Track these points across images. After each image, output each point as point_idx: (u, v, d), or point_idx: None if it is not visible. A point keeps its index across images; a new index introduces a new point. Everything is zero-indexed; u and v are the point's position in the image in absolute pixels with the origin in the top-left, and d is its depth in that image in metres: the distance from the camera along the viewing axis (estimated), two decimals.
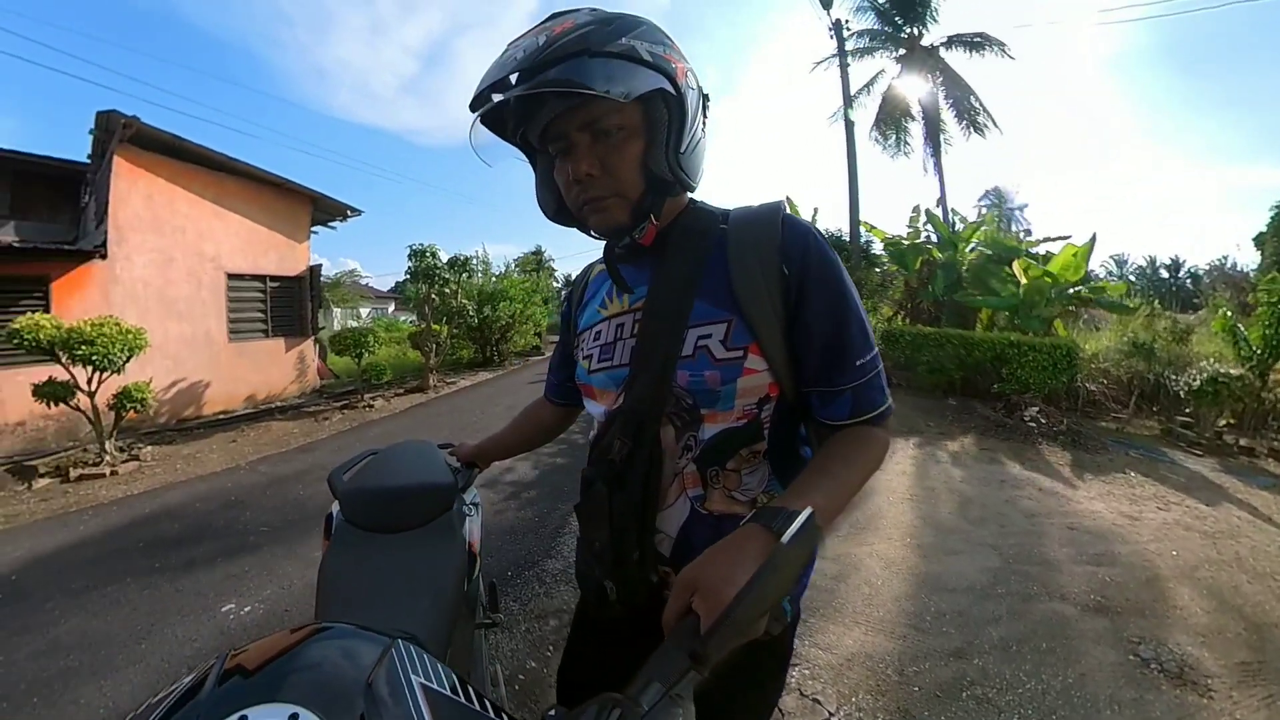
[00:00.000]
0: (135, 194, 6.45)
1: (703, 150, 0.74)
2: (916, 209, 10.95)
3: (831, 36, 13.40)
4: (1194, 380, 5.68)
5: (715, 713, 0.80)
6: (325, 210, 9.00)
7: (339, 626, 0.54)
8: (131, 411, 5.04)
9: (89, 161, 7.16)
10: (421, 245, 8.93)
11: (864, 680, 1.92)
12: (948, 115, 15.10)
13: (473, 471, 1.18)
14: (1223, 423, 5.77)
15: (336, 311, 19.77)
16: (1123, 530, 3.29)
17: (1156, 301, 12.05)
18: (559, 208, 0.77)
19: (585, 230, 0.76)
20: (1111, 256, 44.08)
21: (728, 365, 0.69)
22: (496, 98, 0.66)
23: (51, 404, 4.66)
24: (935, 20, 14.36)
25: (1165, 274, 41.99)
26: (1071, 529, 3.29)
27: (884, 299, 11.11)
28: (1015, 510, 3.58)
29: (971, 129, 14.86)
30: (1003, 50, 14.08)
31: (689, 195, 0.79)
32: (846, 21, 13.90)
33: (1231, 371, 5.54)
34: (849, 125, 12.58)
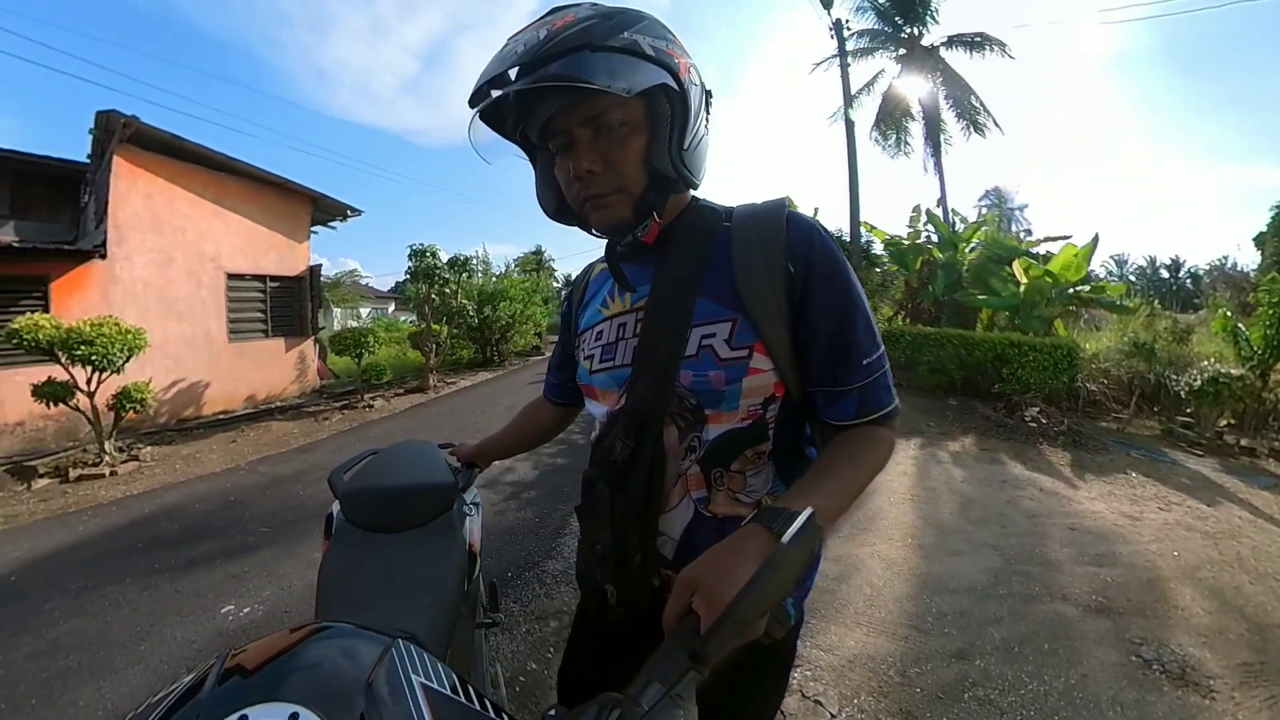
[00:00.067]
0: (135, 194, 6.44)
1: (706, 147, 0.73)
2: (917, 209, 10.96)
3: (832, 36, 13.39)
4: (1195, 380, 5.67)
5: (718, 715, 0.80)
6: (325, 210, 9.00)
7: (339, 626, 0.54)
8: (131, 412, 5.03)
9: (89, 161, 7.16)
10: (421, 245, 8.93)
11: (866, 682, 1.91)
12: (948, 115, 15.11)
13: (473, 471, 1.18)
14: (1223, 423, 5.76)
15: (336, 311, 19.76)
16: (1124, 531, 3.28)
17: (1156, 301, 12.06)
18: (560, 205, 0.76)
19: (587, 228, 0.74)
20: (1112, 256, 44.14)
21: (733, 365, 0.68)
22: (496, 93, 0.65)
23: (51, 404, 4.65)
24: (935, 20, 14.37)
25: (1165, 274, 42.00)
26: (1073, 529, 3.29)
27: (884, 299, 11.11)
28: (1016, 510, 3.58)
29: (972, 129, 14.86)
30: (1003, 50, 14.08)
31: (691, 193, 0.78)
32: (847, 21, 13.89)
33: (1232, 372, 5.53)
34: (849, 125, 12.57)
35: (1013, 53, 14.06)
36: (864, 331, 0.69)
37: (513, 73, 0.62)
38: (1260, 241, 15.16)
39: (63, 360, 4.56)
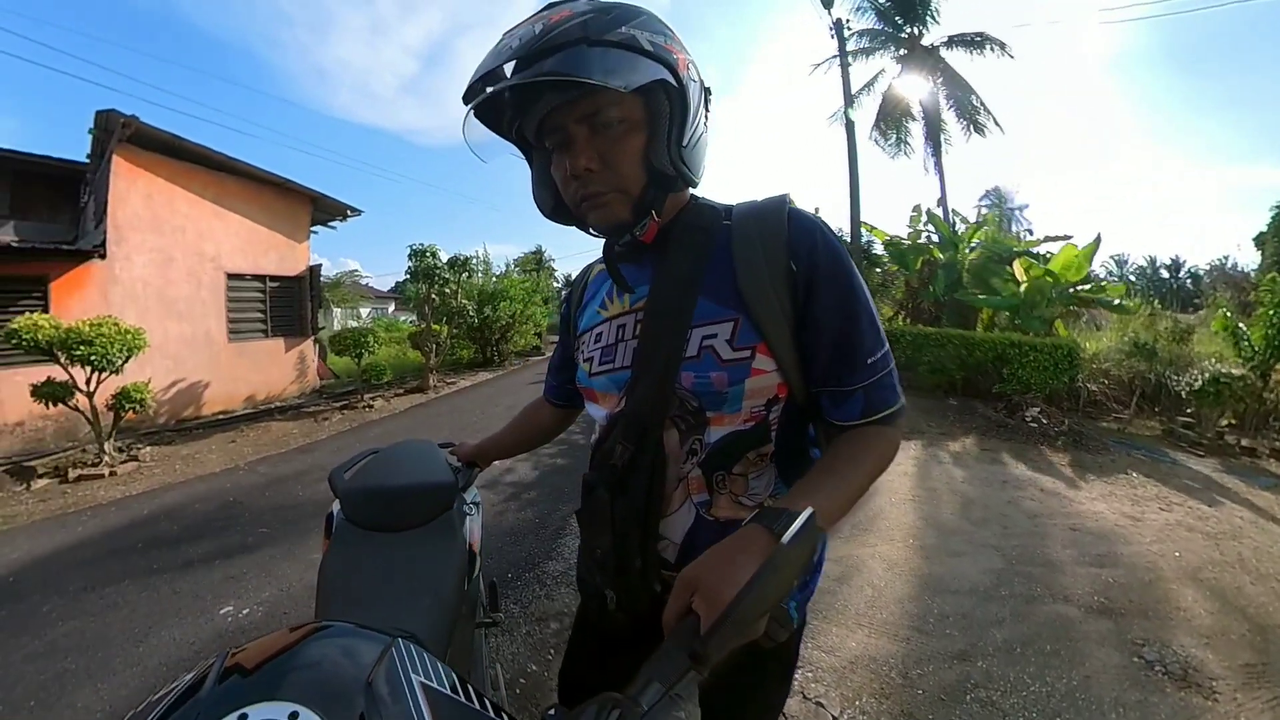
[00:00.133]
0: (134, 193, 6.44)
1: (705, 144, 0.71)
2: (917, 208, 10.96)
3: (832, 36, 13.39)
4: (1196, 381, 5.67)
5: (721, 717, 0.79)
6: (325, 210, 8.99)
7: (339, 625, 0.53)
8: (130, 412, 5.02)
9: (88, 161, 7.15)
10: (421, 245, 8.92)
11: (868, 683, 1.90)
12: (948, 115, 15.09)
13: (473, 471, 1.18)
14: (1224, 423, 5.76)
15: (336, 311, 19.75)
16: (1125, 531, 3.27)
17: (1156, 302, 12.06)
18: (556, 205, 0.74)
19: (584, 228, 0.73)
20: (1112, 256, 44.11)
21: (735, 366, 0.67)
22: (491, 90, 0.63)
23: (50, 404, 4.65)
24: (936, 20, 14.34)
25: (1165, 274, 42.00)
26: (1074, 530, 3.28)
27: (885, 299, 11.11)
28: (1017, 511, 3.57)
29: (972, 129, 14.84)
30: (1003, 49, 14.07)
31: (690, 191, 0.77)
32: (847, 21, 13.89)
33: (1233, 372, 5.53)
34: (850, 125, 12.56)
35: (1013, 52, 14.06)
36: (869, 330, 0.68)
37: (508, 68, 0.61)
38: (1260, 241, 15.18)
39: (62, 360, 4.55)
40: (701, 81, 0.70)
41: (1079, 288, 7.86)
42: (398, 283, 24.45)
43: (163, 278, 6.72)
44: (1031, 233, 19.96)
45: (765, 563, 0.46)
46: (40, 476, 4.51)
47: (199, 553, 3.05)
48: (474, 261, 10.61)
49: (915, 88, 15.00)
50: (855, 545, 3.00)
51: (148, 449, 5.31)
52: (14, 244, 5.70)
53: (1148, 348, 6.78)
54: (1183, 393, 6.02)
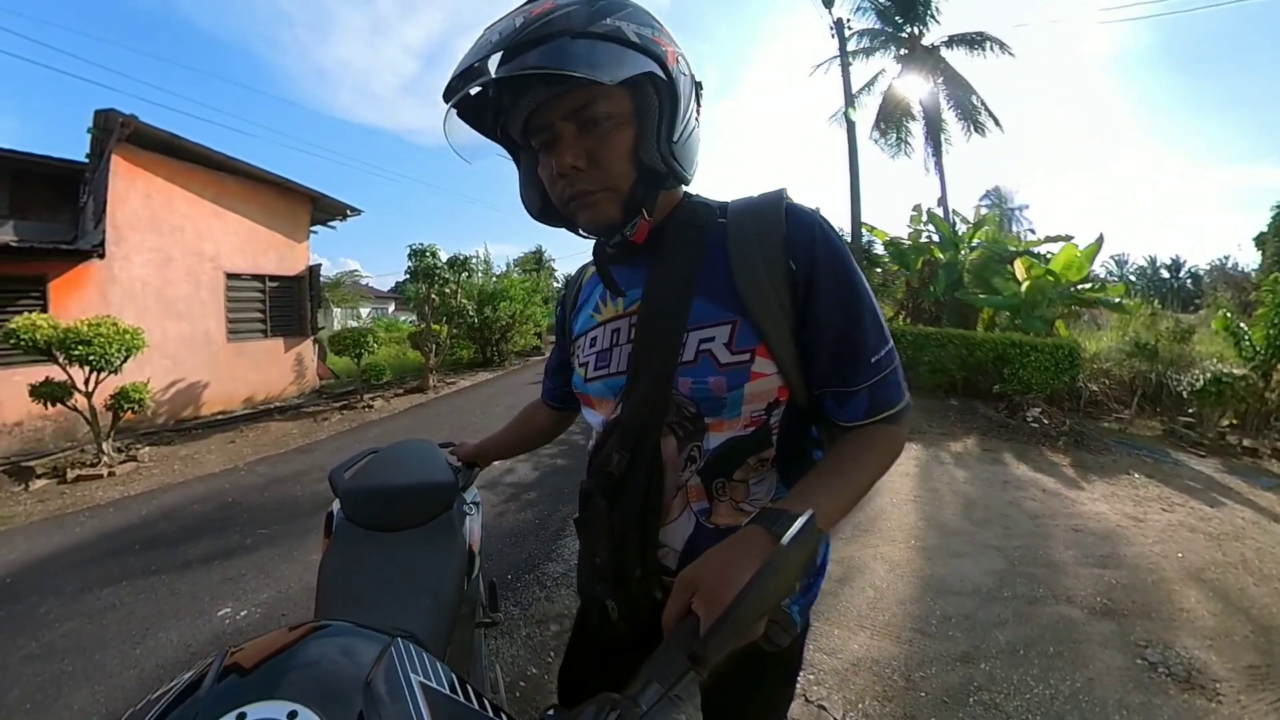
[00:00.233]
0: (133, 193, 6.43)
1: (697, 140, 0.69)
2: (918, 208, 10.96)
3: (833, 35, 13.38)
4: (1197, 380, 5.66)
5: None
6: (325, 210, 8.97)
7: (338, 624, 0.53)
8: (129, 412, 5.01)
9: (87, 161, 7.14)
10: (421, 245, 8.92)
11: (870, 686, 1.89)
12: (949, 115, 15.07)
13: (473, 471, 1.18)
14: (1225, 423, 5.75)
15: (336, 311, 19.74)
16: (1127, 532, 3.26)
17: (1156, 301, 12.06)
18: (544, 206, 0.71)
19: (573, 229, 0.71)
20: (1112, 256, 44.02)
21: (734, 370, 0.65)
22: (475, 89, 0.61)
23: (49, 404, 4.64)
24: (936, 20, 14.33)
25: (1166, 274, 41.98)
26: (1076, 530, 3.27)
27: (885, 298, 11.10)
28: (1019, 512, 3.56)
29: (972, 128, 14.83)
30: (1003, 49, 14.06)
31: (684, 189, 0.75)
32: (848, 20, 13.89)
33: (1235, 372, 5.52)
34: (850, 125, 12.55)
35: (1013, 51, 14.05)
36: (872, 327, 0.66)
37: (490, 65, 0.59)
38: (1260, 241, 15.15)
39: (60, 360, 4.54)
40: (692, 75, 0.67)
41: (1080, 287, 7.85)
42: (398, 283, 24.43)
43: (162, 277, 6.71)
44: (1034, 232, 19.95)
45: (765, 564, 0.45)
46: (39, 477, 4.50)
47: (197, 554, 3.03)
48: (474, 261, 10.60)
49: (915, 87, 15.01)
50: (857, 546, 2.98)
51: (146, 449, 5.30)
52: (13, 244, 5.69)
53: (1149, 347, 6.77)
54: (1184, 393, 6.01)
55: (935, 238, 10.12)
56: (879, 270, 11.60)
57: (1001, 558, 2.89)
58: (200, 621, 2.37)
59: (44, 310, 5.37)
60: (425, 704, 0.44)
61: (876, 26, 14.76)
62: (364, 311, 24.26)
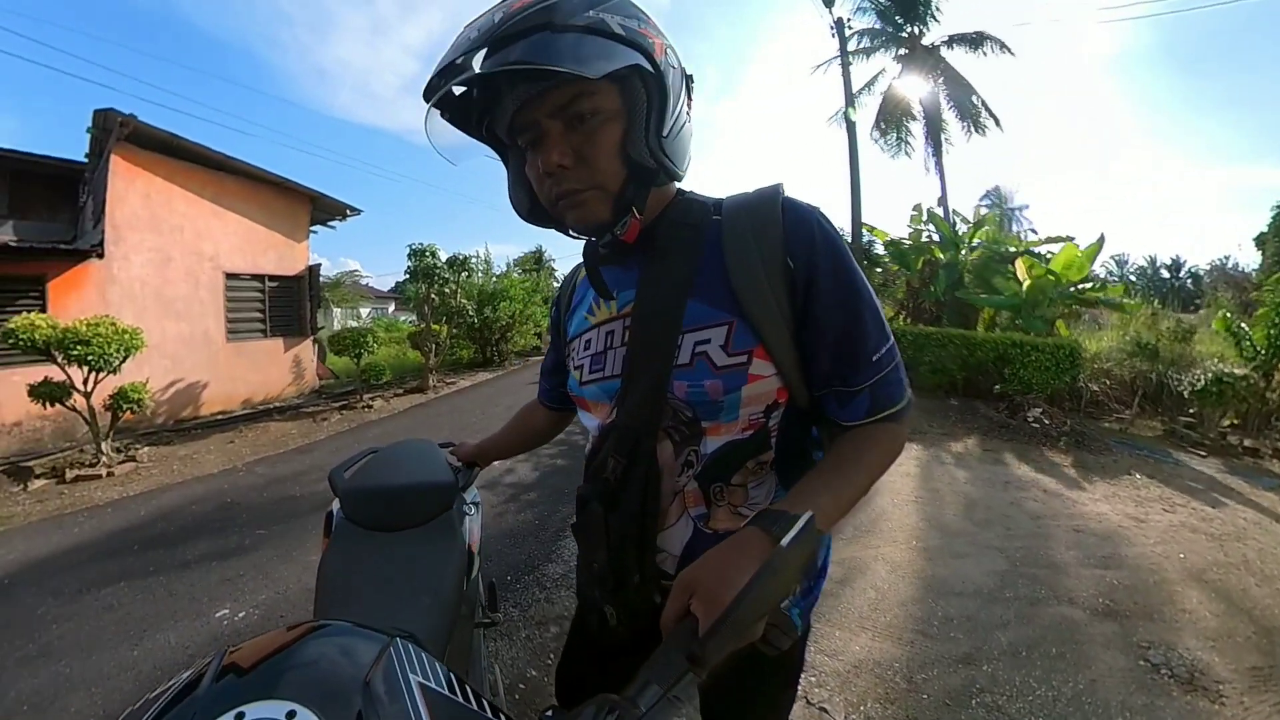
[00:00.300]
0: (133, 193, 6.42)
1: (688, 134, 0.67)
2: (918, 207, 10.95)
3: (833, 35, 13.38)
4: (1198, 381, 5.65)
5: None
6: (325, 209, 8.96)
7: (337, 624, 0.53)
8: (128, 412, 5.00)
9: (87, 160, 7.12)
10: (421, 245, 8.91)
11: (872, 688, 1.88)
12: (949, 114, 15.07)
13: (473, 471, 1.17)
14: (1226, 423, 5.74)
15: (336, 311, 19.73)
16: (1129, 532, 3.25)
17: (1157, 301, 12.06)
18: (533, 206, 0.69)
19: (563, 229, 0.69)
20: (1112, 256, 43.99)
21: (731, 373, 0.64)
22: (451, 85, 0.59)
23: (47, 404, 4.63)
24: (936, 19, 14.34)
25: (1166, 274, 41.99)
26: (1077, 531, 3.26)
27: (886, 298, 11.10)
28: (1020, 512, 3.55)
29: (973, 128, 14.83)
30: (1003, 48, 14.06)
31: (677, 186, 0.73)
32: (848, 20, 13.89)
33: (1236, 371, 5.51)
34: (851, 125, 12.54)
35: (1013, 50, 14.05)
36: (873, 325, 0.64)
37: (477, 65, 0.57)
38: (1261, 241, 15.17)
39: (59, 360, 4.53)
40: (682, 68, 0.65)
41: (1081, 287, 7.85)
42: (398, 283, 24.41)
43: (161, 277, 6.70)
44: (1035, 232, 19.95)
45: (764, 565, 0.45)
46: (37, 477, 4.49)
47: (195, 554, 3.02)
48: (474, 261, 10.60)
49: (915, 87, 15.01)
50: (858, 547, 2.97)
51: (145, 449, 5.29)
52: (12, 243, 5.68)
53: (1150, 347, 6.76)
54: (1185, 393, 6.00)
55: (935, 237, 10.12)
56: (879, 270, 11.60)
57: (1003, 558, 2.88)
58: (198, 623, 2.36)
59: (43, 310, 5.35)
60: (424, 704, 0.44)
61: (877, 26, 14.76)
62: (364, 311, 24.25)
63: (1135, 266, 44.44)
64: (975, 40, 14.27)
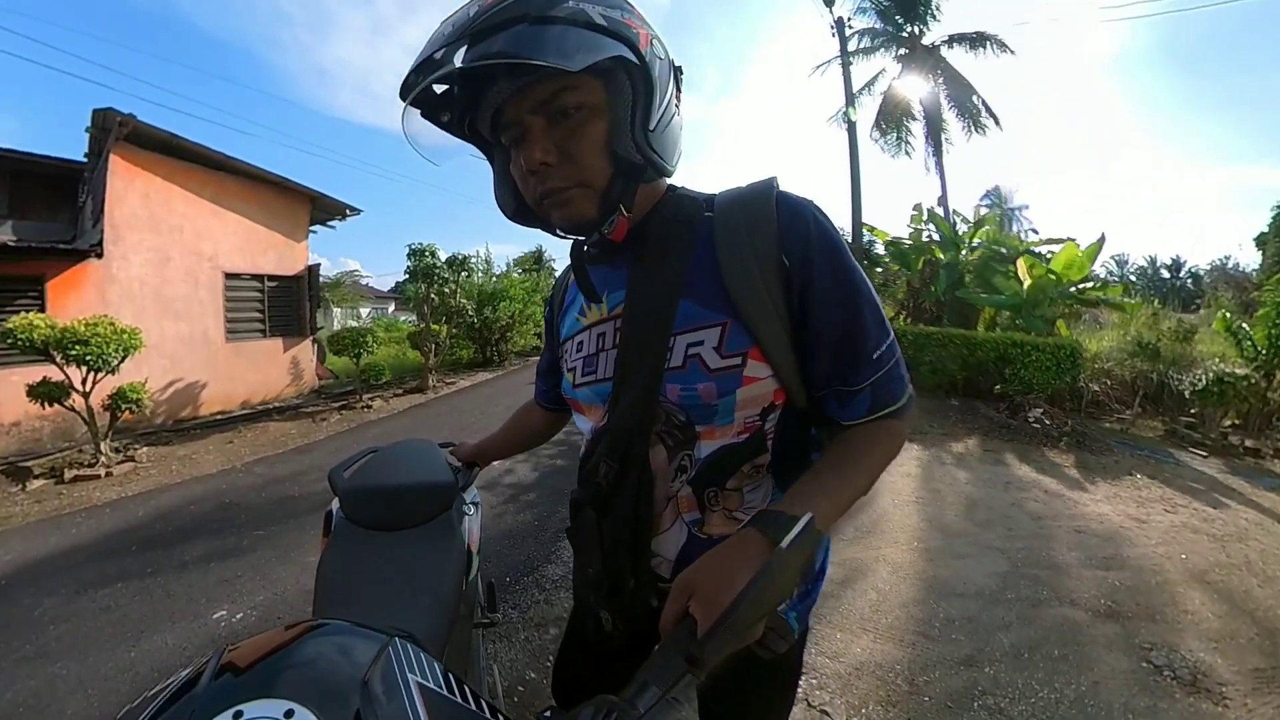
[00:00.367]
0: (132, 193, 6.40)
1: (678, 128, 0.65)
2: (918, 207, 10.92)
3: (833, 34, 13.38)
4: (1199, 381, 5.64)
5: None
6: (324, 209, 8.95)
7: (336, 623, 0.53)
8: (126, 412, 4.99)
9: (86, 160, 7.11)
10: (420, 245, 8.90)
11: (874, 690, 1.87)
12: (949, 114, 15.06)
13: (473, 471, 1.17)
14: (1228, 423, 5.73)
15: (336, 311, 19.72)
16: (1130, 533, 3.24)
17: (1157, 301, 12.05)
18: (519, 206, 0.67)
19: (549, 229, 0.67)
20: (1112, 256, 43.96)
21: (725, 375, 0.62)
22: (426, 83, 0.57)
23: (46, 404, 4.62)
24: (936, 19, 14.33)
25: (1166, 274, 41.99)
26: (1079, 532, 3.25)
27: (886, 298, 11.09)
28: (1022, 513, 3.54)
29: (973, 128, 14.83)
30: (1003, 48, 14.05)
31: (668, 182, 0.71)
32: (848, 20, 13.88)
33: (1237, 372, 5.51)
34: (851, 125, 12.54)
35: (1013, 48, 14.05)
36: (872, 322, 0.62)
37: (458, 61, 0.55)
38: (1261, 241, 15.18)
39: (57, 360, 4.52)
40: (670, 59, 0.63)
41: (1081, 287, 7.84)
42: (398, 283, 24.39)
43: (160, 277, 6.68)
44: (1035, 232, 19.96)
45: (763, 567, 0.45)
46: (36, 477, 4.48)
47: (193, 555, 3.01)
48: (474, 261, 10.59)
49: (916, 87, 15.01)
50: (859, 548, 2.96)
51: (144, 449, 5.27)
52: (11, 243, 5.67)
53: (1151, 347, 6.75)
54: (1186, 393, 6.00)
55: (936, 237, 10.11)
56: (880, 270, 11.59)
57: (1004, 559, 2.87)
58: (196, 624, 2.35)
59: (42, 310, 5.34)
60: (422, 704, 0.44)
61: (877, 26, 14.76)
62: (364, 311, 24.23)
63: (1135, 266, 44.46)
64: (975, 40, 14.26)
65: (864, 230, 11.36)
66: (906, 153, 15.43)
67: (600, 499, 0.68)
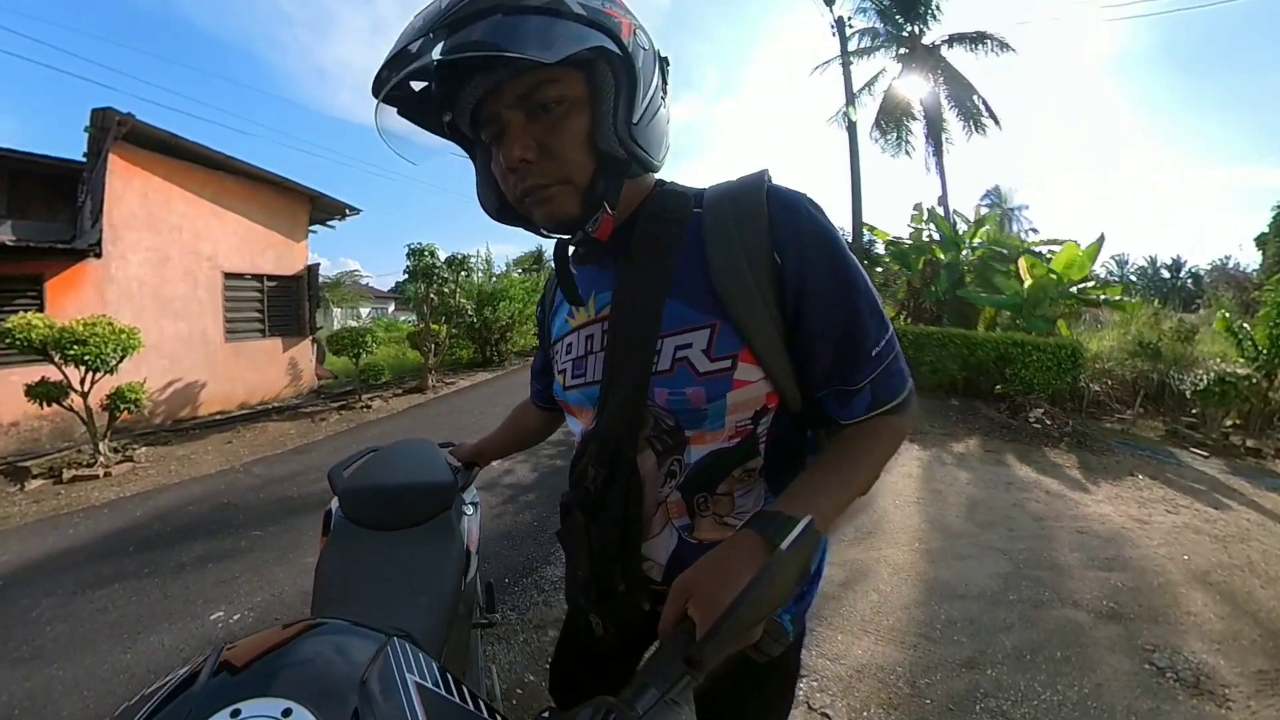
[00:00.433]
0: (131, 192, 6.39)
1: (664, 121, 0.62)
2: (918, 206, 10.91)
3: (834, 34, 13.38)
4: (1200, 381, 5.63)
5: None
6: (324, 209, 8.94)
7: (334, 623, 0.53)
8: (125, 412, 4.98)
9: (85, 160, 7.10)
10: (420, 244, 8.89)
11: (875, 693, 1.86)
12: (949, 114, 15.06)
13: (472, 471, 1.17)
14: (1229, 423, 5.72)
15: (336, 311, 19.72)
16: (1132, 534, 3.23)
17: (1157, 301, 12.05)
18: (502, 204, 0.65)
19: (533, 228, 0.64)
20: (1113, 256, 43.95)
21: (714, 379, 0.60)
22: (398, 78, 0.55)
23: (45, 404, 4.61)
24: (937, 19, 14.32)
25: (1166, 274, 41.98)
26: (1081, 533, 3.24)
27: (887, 298, 11.08)
28: (1023, 513, 3.53)
29: (973, 128, 14.82)
30: (1004, 47, 14.05)
31: (656, 177, 0.69)
32: (848, 19, 13.88)
33: (1238, 371, 5.50)
34: (851, 125, 12.53)
35: (1014, 47, 14.04)
36: (871, 319, 0.60)
37: (416, 49, 0.52)
38: (1261, 242, 15.18)
39: (56, 360, 4.51)
40: (655, 49, 0.61)
41: (1082, 286, 7.83)
42: (398, 283, 24.37)
43: (159, 277, 6.67)
44: (1036, 232, 19.97)
45: (762, 569, 0.45)
46: (34, 477, 4.47)
47: (191, 556, 3.00)
48: (473, 261, 10.58)
49: (916, 87, 15.01)
50: (860, 549, 2.95)
51: (143, 449, 5.26)
52: (9, 243, 5.65)
53: (1152, 347, 6.74)
54: (1187, 393, 5.99)
55: (936, 237, 10.10)
56: (880, 270, 11.59)
57: (1006, 560, 2.86)
58: (193, 625, 2.33)
59: (40, 309, 5.33)
60: (420, 703, 0.44)
61: (877, 26, 14.75)
62: (364, 311, 24.23)
63: (1135, 266, 44.45)
64: (976, 40, 14.26)
65: (864, 230, 11.35)
66: (907, 153, 15.44)
67: (589, 503, 0.67)
